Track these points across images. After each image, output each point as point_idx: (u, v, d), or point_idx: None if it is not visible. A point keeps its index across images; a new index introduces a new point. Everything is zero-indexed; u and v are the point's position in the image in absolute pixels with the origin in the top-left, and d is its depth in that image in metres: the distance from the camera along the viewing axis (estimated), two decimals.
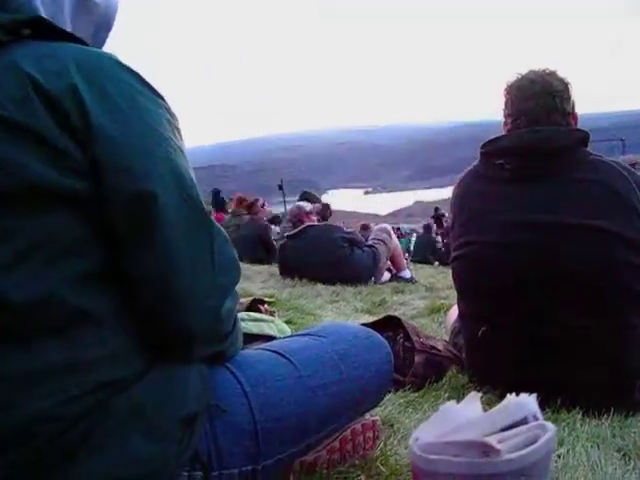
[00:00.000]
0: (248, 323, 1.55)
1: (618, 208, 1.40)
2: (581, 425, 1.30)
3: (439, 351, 1.67)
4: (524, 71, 1.59)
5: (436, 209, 14.13)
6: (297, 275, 4.14)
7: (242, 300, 1.77)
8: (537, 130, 1.49)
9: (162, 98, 0.76)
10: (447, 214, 7.73)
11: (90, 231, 0.68)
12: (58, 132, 0.64)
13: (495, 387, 1.50)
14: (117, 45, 0.90)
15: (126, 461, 0.66)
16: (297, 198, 6.16)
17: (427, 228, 12.21)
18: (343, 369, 0.90)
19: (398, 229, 17.87)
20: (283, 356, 0.87)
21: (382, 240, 4.44)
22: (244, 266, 3.59)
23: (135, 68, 0.74)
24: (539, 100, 1.52)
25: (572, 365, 1.41)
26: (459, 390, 1.57)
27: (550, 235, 1.43)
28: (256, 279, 4.34)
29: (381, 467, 1.00)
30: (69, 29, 0.78)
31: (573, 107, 1.57)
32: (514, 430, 0.50)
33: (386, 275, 4.59)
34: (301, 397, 0.83)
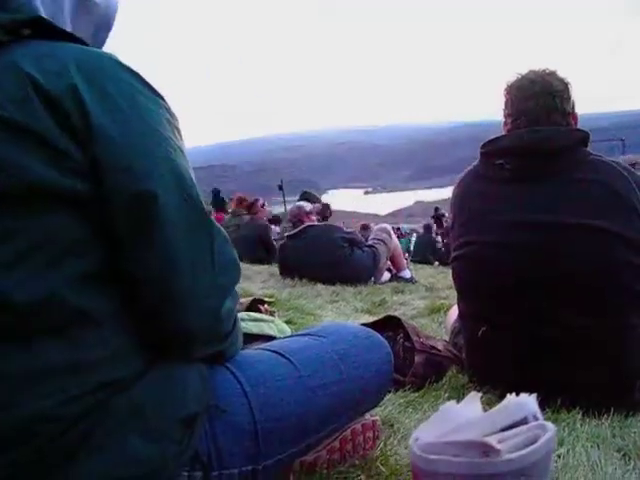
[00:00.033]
0: (248, 323, 1.55)
1: (618, 208, 1.40)
2: (581, 425, 1.30)
3: (439, 351, 1.67)
4: (524, 71, 1.59)
5: (436, 209, 14.12)
6: (297, 275, 4.14)
7: (242, 300, 1.77)
8: (537, 130, 1.49)
9: (162, 98, 0.76)
10: (447, 214, 7.73)
11: (90, 231, 0.68)
12: (58, 132, 0.64)
13: (495, 387, 1.50)
14: (117, 45, 0.90)
15: (125, 461, 0.66)
16: (297, 198, 6.15)
17: (427, 228, 12.20)
18: (343, 369, 0.90)
19: (398, 229, 17.87)
20: (283, 356, 0.87)
21: (382, 240, 4.44)
22: (244, 266, 3.59)
23: (135, 68, 0.74)
24: (539, 100, 1.52)
25: (572, 365, 1.41)
26: (459, 390, 1.57)
27: (550, 235, 1.43)
28: (256, 279, 4.34)
29: (381, 467, 1.00)
30: (69, 29, 0.78)
31: (573, 107, 1.57)
32: (514, 430, 0.50)
33: (386, 275, 4.59)
34: (301, 397, 0.83)
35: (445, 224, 11.49)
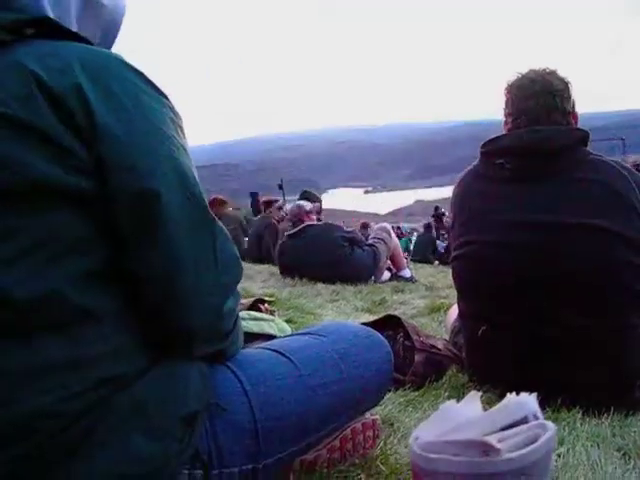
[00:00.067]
0: (249, 322, 1.55)
1: (618, 208, 1.40)
2: (581, 424, 1.30)
3: (439, 350, 1.67)
4: (524, 70, 1.59)
5: (436, 208, 14.10)
6: (297, 274, 4.13)
7: (244, 301, 1.77)
8: (537, 130, 1.49)
9: (166, 97, 0.76)
10: (447, 213, 7.73)
11: (93, 229, 0.68)
12: (62, 129, 0.64)
13: (495, 386, 1.50)
14: (117, 45, 0.90)
15: (128, 459, 0.66)
16: (297, 197, 6.16)
17: (428, 227, 12.19)
18: (343, 368, 0.90)
19: (398, 228, 17.85)
20: (283, 355, 0.87)
21: (382, 239, 4.44)
22: (246, 265, 3.59)
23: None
24: (539, 99, 1.52)
25: (572, 365, 1.41)
26: (459, 389, 1.57)
27: (550, 235, 1.43)
28: (257, 278, 4.34)
29: (381, 466, 1.00)
30: (74, 30, 0.78)
31: (573, 106, 1.57)
32: (514, 429, 0.50)
33: (386, 274, 4.59)
34: (301, 396, 0.84)
35: (446, 223, 11.48)
